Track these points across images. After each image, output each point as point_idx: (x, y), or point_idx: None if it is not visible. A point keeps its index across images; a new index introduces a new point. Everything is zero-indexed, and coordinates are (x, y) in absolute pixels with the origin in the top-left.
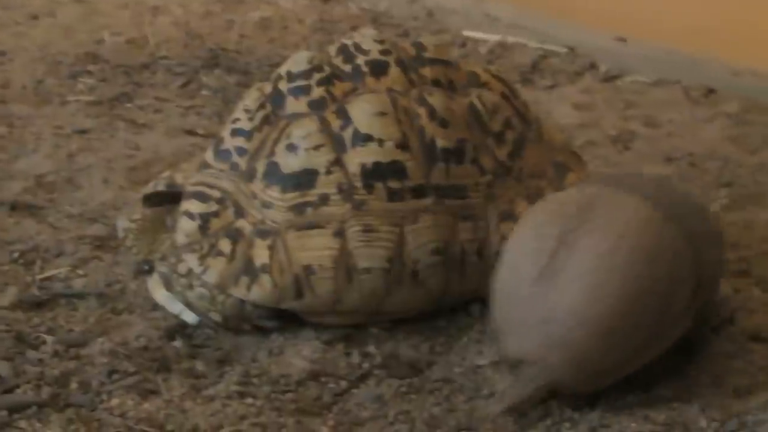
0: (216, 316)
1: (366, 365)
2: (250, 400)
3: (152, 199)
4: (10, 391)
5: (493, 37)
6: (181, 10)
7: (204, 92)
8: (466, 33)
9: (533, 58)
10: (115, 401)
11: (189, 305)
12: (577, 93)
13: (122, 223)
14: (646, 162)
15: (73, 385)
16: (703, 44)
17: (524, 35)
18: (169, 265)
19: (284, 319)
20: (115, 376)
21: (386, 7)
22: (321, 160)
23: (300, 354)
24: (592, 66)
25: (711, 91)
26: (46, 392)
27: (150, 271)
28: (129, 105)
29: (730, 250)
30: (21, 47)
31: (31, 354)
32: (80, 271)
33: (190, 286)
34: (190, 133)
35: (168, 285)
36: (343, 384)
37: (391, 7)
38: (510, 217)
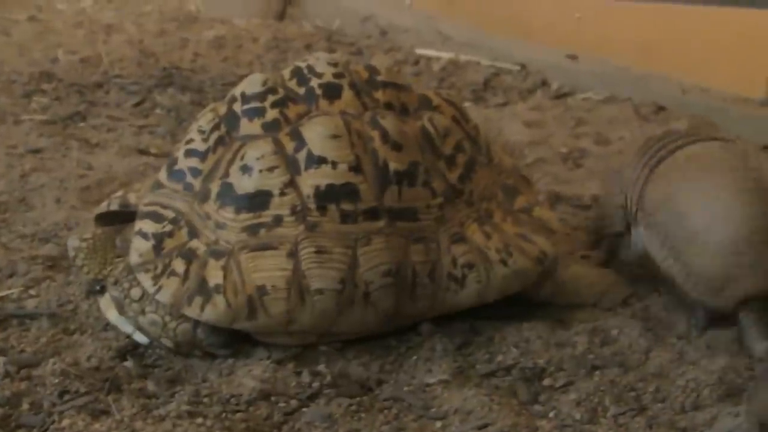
0: (167, 342)
1: (316, 384)
2: (200, 420)
3: (105, 219)
4: None
5: (446, 55)
6: (135, 28)
7: (157, 111)
8: (419, 51)
9: (485, 76)
10: (66, 422)
11: (141, 330)
12: (529, 110)
13: (73, 243)
14: (596, 179)
15: (25, 406)
16: (653, 62)
17: (476, 53)
18: (121, 290)
19: (235, 343)
20: (67, 397)
21: (339, 25)
22: (275, 181)
23: (250, 374)
24: (544, 83)
25: (661, 108)
26: None
27: (102, 291)
28: (82, 124)
29: None
30: None
31: None
32: (32, 292)
33: (143, 312)
34: (143, 152)
35: (120, 309)
36: (294, 403)
37: (344, 25)
38: (461, 239)
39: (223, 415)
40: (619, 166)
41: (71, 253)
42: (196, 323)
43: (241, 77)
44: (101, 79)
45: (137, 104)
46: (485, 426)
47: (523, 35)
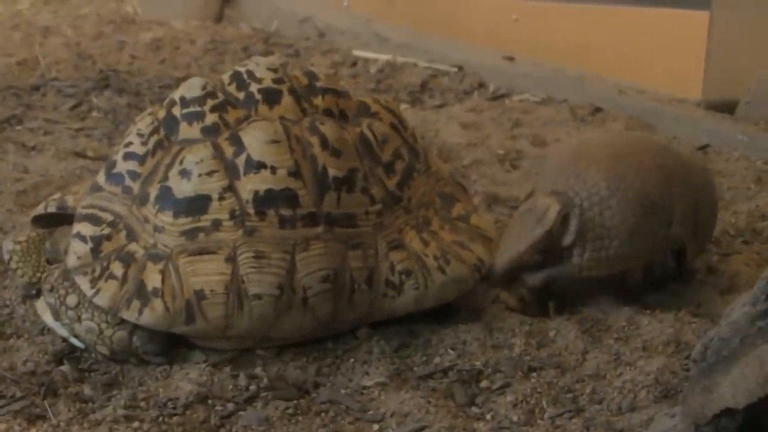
0: (103, 349)
1: (253, 387)
2: (137, 424)
3: (42, 221)
4: None
5: (383, 57)
6: (72, 31)
7: (94, 114)
8: (357, 53)
9: (422, 78)
10: (2, 426)
11: (76, 337)
12: (466, 112)
13: (7, 246)
14: (532, 181)
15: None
16: (589, 63)
17: (414, 55)
18: (57, 296)
19: (171, 350)
20: (2, 401)
21: (277, 27)
22: (214, 186)
23: (187, 377)
24: (481, 85)
25: (597, 110)
26: None
27: (38, 294)
28: (19, 127)
29: None
30: None
31: None
32: None
33: (78, 319)
34: (80, 155)
35: (56, 316)
36: (230, 406)
37: (282, 27)
38: (399, 246)
39: (160, 419)
40: (529, 205)
41: (5, 256)
42: (132, 330)
43: (179, 80)
44: (38, 81)
45: (74, 107)
46: (422, 428)
47: (460, 37)
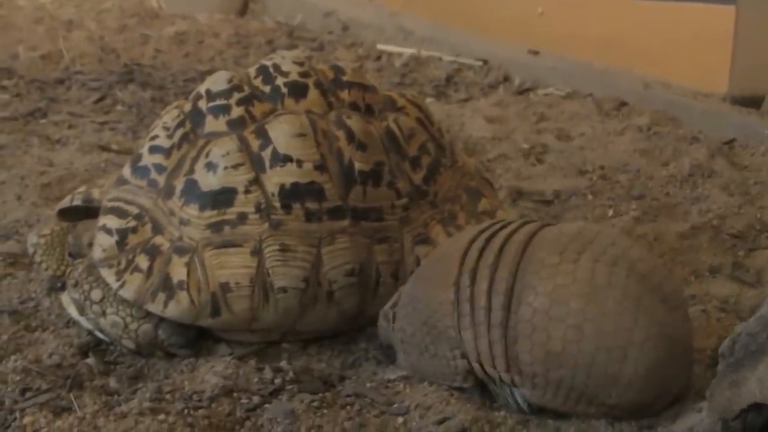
0: (129, 343)
1: (278, 380)
2: (162, 417)
3: (67, 215)
4: None
5: (408, 51)
6: (95, 24)
7: (119, 107)
8: (381, 47)
9: (447, 72)
10: (27, 419)
11: (101, 331)
12: (491, 106)
13: (32, 239)
14: (558, 175)
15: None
16: (615, 57)
17: (438, 49)
18: (81, 291)
19: (196, 343)
20: (29, 394)
21: (301, 21)
22: (240, 179)
23: (213, 370)
24: (506, 79)
25: (623, 104)
26: None
27: (63, 287)
28: (43, 121)
29: None
30: None
31: None
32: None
33: (103, 313)
34: (105, 148)
35: (81, 311)
36: (256, 399)
37: (306, 21)
38: (424, 240)
39: (186, 411)
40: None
41: (30, 250)
42: (158, 324)
43: (203, 73)
44: (62, 75)
45: (98, 101)
46: (445, 420)
47: (484, 30)
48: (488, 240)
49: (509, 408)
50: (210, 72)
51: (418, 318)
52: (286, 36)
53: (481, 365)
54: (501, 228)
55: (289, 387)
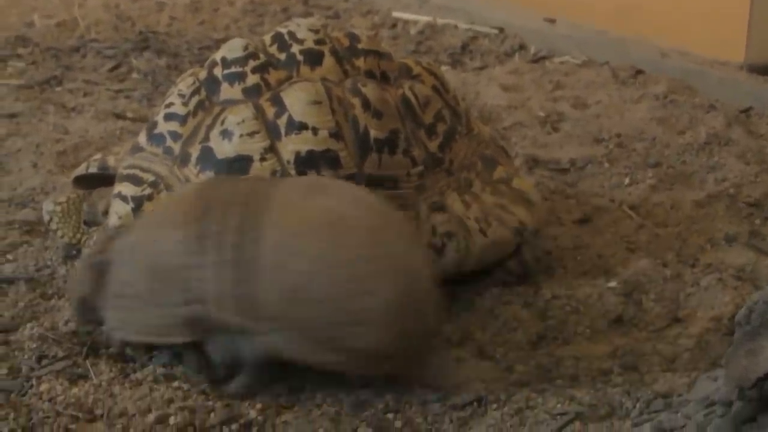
0: None
1: None
2: (176, 384)
3: (83, 182)
4: None
5: (423, 19)
6: None
7: (134, 75)
8: (396, 14)
9: (463, 40)
10: (44, 386)
11: None
12: (506, 74)
13: (47, 207)
14: (573, 143)
15: (3, 371)
16: (631, 25)
17: (454, 16)
18: None
19: None
20: (45, 362)
21: None
22: (255, 146)
23: None
24: (521, 47)
25: (639, 72)
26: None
27: (79, 254)
28: (59, 88)
29: (658, 228)
30: None
31: None
32: (9, 256)
33: None
34: (120, 116)
35: None
36: None
37: None
38: (440, 208)
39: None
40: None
41: (46, 217)
42: None
43: (218, 41)
44: (77, 43)
45: (113, 68)
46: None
47: None
48: (233, 184)
49: (228, 364)
50: (225, 40)
51: (142, 264)
52: (301, 4)
53: (216, 311)
54: (232, 179)
55: None
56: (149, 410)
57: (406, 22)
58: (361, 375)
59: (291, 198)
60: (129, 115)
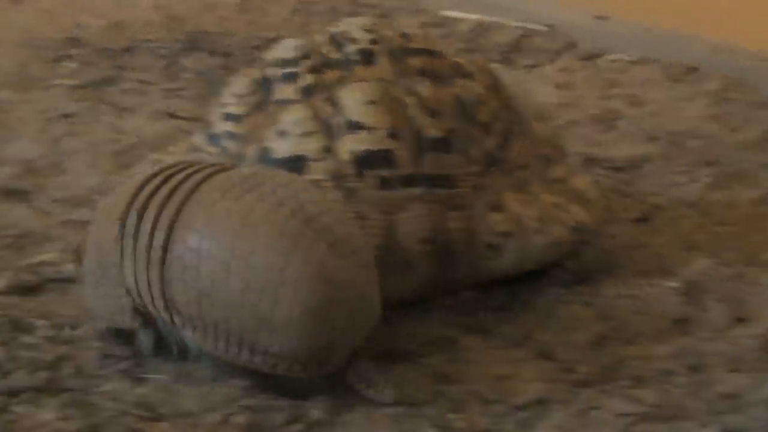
0: None
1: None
2: (237, 381)
3: None
4: (5, 376)
5: (472, 17)
6: None
7: (186, 75)
8: (445, 13)
9: (513, 38)
10: (109, 385)
11: None
12: (558, 72)
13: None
14: (628, 141)
15: (67, 370)
16: (684, 22)
17: (503, 14)
18: None
19: None
20: (109, 360)
21: None
22: (312, 146)
23: None
24: (572, 45)
25: (692, 69)
26: (40, 377)
27: None
28: (112, 89)
29: (716, 226)
30: (3, 32)
31: (25, 338)
32: (69, 256)
33: None
34: (173, 116)
35: None
36: None
37: None
38: (497, 207)
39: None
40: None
41: None
42: None
43: (268, 41)
44: (129, 43)
45: (165, 68)
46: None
47: None
48: (165, 179)
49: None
50: (275, 39)
51: (92, 255)
52: (349, 3)
53: (145, 304)
54: (180, 170)
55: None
56: (213, 409)
57: (455, 20)
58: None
59: (212, 196)
60: (182, 114)
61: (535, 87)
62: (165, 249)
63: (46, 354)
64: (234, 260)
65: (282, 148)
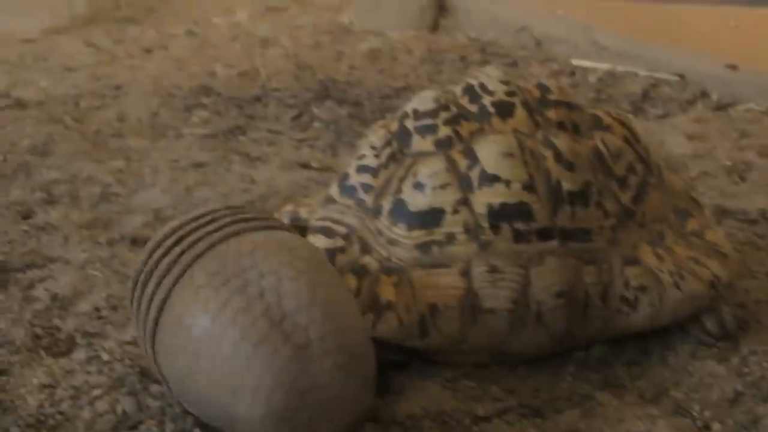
0: None
1: (490, 404)
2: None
3: None
4: (134, 427)
5: (602, 66)
6: (290, 41)
7: (316, 124)
8: (575, 62)
9: (643, 87)
10: None
11: None
12: (690, 122)
13: None
14: (762, 193)
15: (192, 418)
16: None
17: (633, 63)
18: None
19: (405, 361)
20: None
21: (494, 36)
22: (448, 199)
23: (422, 391)
24: (703, 94)
25: None
26: (169, 428)
27: None
28: (242, 138)
29: None
30: (135, 81)
31: (154, 388)
32: None
33: None
34: (305, 166)
35: None
36: (467, 421)
37: (498, 36)
38: (633, 261)
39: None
40: None
41: None
42: None
43: (398, 90)
44: (259, 92)
45: (296, 118)
46: None
47: (680, 44)
48: (177, 240)
49: None
50: (405, 89)
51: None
52: (478, 52)
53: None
54: (194, 229)
55: (499, 408)
56: None
57: (585, 69)
58: None
59: (200, 279)
60: (314, 164)
61: (667, 137)
62: (156, 323)
63: (175, 405)
64: (201, 358)
65: (418, 201)
